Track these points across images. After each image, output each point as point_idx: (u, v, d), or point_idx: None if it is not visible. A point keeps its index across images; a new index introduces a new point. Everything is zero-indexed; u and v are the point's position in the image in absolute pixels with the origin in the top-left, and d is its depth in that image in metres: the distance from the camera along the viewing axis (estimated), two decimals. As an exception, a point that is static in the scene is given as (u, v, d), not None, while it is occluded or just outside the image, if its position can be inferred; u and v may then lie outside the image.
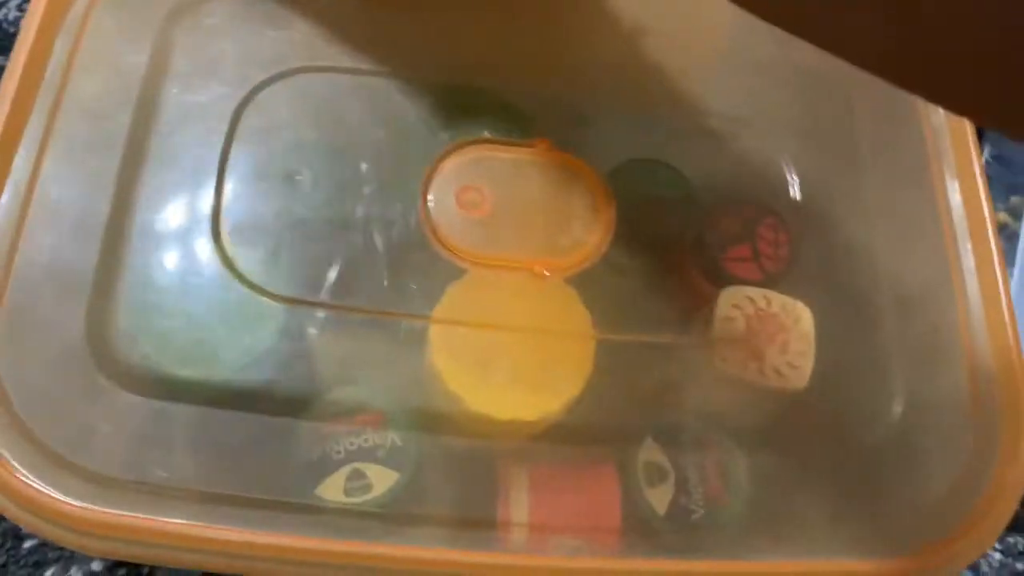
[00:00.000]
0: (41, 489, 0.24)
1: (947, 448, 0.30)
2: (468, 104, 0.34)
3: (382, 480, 0.29)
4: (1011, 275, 0.38)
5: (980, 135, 0.46)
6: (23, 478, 0.24)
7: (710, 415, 0.32)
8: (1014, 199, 0.44)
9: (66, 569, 0.36)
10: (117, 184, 0.29)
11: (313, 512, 0.28)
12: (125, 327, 0.28)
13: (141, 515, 0.24)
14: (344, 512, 0.28)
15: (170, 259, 0.29)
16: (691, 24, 0.37)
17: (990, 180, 0.45)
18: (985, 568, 0.41)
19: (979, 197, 0.32)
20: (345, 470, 0.29)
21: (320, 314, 0.30)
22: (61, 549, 0.36)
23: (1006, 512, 0.28)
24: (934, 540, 0.28)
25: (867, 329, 0.32)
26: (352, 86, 0.33)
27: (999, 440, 0.29)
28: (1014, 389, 0.29)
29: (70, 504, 0.24)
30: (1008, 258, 0.39)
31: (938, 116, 0.34)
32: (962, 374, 0.30)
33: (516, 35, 0.35)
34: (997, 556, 0.42)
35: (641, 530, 0.30)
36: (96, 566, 0.36)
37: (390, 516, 0.28)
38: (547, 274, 0.31)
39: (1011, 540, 0.42)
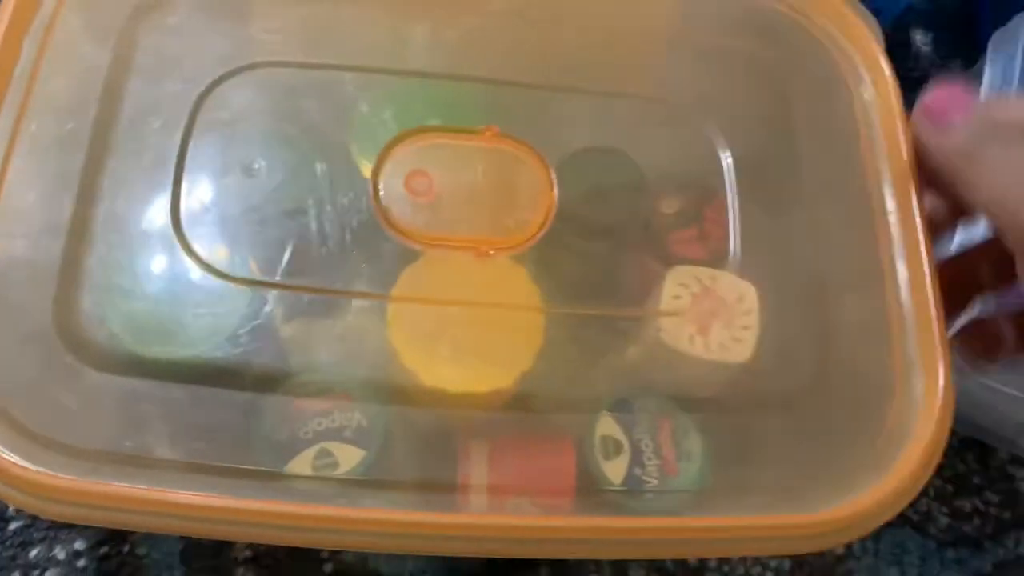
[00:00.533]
0: (15, 461, 0.25)
1: (879, 408, 0.31)
2: (418, 93, 0.35)
3: (349, 458, 0.30)
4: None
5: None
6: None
7: (662, 388, 0.33)
8: None
9: (50, 548, 0.37)
10: (82, 176, 0.30)
11: (280, 479, 0.29)
12: (91, 309, 0.29)
13: (115, 482, 0.25)
14: (315, 480, 0.29)
15: (133, 245, 0.30)
16: (639, 11, 0.38)
17: None
18: (933, 531, 0.43)
19: (907, 180, 0.33)
20: (313, 449, 0.30)
21: (282, 296, 0.31)
22: (46, 530, 0.37)
23: (929, 461, 0.29)
24: (868, 489, 0.29)
25: (805, 300, 0.34)
26: (307, 79, 0.34)
27: (923, 401, 0.30)
28: (932, 355, 0.31)
29: (44, 474, 0.25)
30: None
31: (869, 91, 0.35)
32: (888, 338, 0.32)
33: (466, 24, 0.36)
34: (945, 520, 0.43)
35: (595, 499, 0.31)
36: (79, 545, 0.37)
37: (356, 482, 0.29)
38: (492, 253, 0.32)
39: (958, 504, 0.43)
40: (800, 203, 0.35)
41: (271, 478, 0.29)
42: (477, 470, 0.30)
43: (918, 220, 0.32)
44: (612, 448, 0.31)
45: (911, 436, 0.30)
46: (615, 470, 0.31)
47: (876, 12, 0.48)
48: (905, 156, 0.33)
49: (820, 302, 0.33)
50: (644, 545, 0.29)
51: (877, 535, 0.43)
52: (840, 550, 0.42)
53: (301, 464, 0.29)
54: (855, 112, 0.35)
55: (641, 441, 0.32)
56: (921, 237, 0.32)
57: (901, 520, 0.43)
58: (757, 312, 0.33)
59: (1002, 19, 0.48)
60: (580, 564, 0.42)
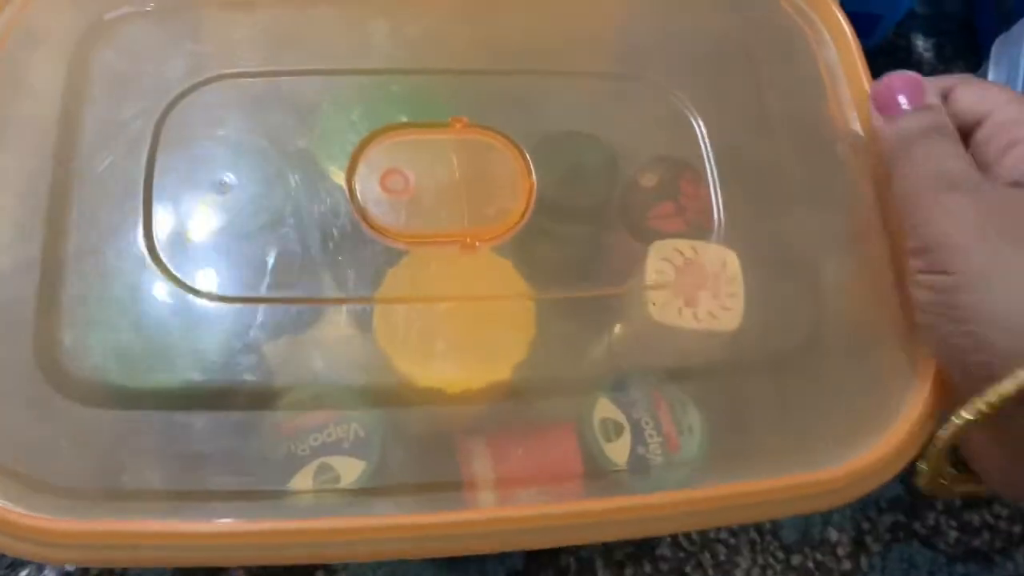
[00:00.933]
0: (8, 507, 0.24)
1: (873, 368, 0.31)
2: (382, 91, 0.34)
3: (350, 471, 0.29)
4: None
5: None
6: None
7: (656, 364, 0.33)
8: None
9: (40, 570, 0.36)
10: (48, 209, 0.29)
11: (282, 496, 0.28)
12: (73, 345, 0.28)
13: (110, 520, 0.25)
14: (314, 493, 0.29)
15: (109, 274, 0.29)
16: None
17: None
18: (943, 545, 0.43)
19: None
20: (312, 466, 0.29)
21: (266, 311, 0.30)
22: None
23: (929, 414, 0.29)
24: (872, 444, 0.29)
25: (789, 267, 0.34)
26: (268, 88, 0.33)
27: (916, 364, 0.30)
28: None
29: (38, 518, 0.25)
30: None
31: (832, 52, 0.36)
32: (878, 301, 0.32)
33: (424, 17, 0.35)
34: (954, 534, 0.43)
35: (603, 482, 0.31)
36: (70, 566, 0.36)
37: (361, 491, 0.29)
38: (477, 245, 0.32)
39: (967, 517, 0.44)
40: (775, 167, 0.35)
41: (275, 496, 0.29)
42: (480, 467, 0.30)
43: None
44: (613, 430, 0.31)
45: (910, 390, 0.30)
46: (618, 452, 0.31)
47: (877, 18, 0.49)
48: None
49: (805, 263, 0.34)
50: (655, 522, 0.29)
51: (885, 550, 0.43)
52: (847, 566, 0.42)
53: (302, 482, 0.29)
54: (821, 73, 0.35)
55: (641, 420, 0.32)
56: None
57: (909, 534, 0.43)
58: (741, 279, 0.33)
59: (1003, 25, 0.49)
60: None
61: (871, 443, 0.29)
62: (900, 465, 0.29)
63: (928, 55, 0.56)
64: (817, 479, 0.29)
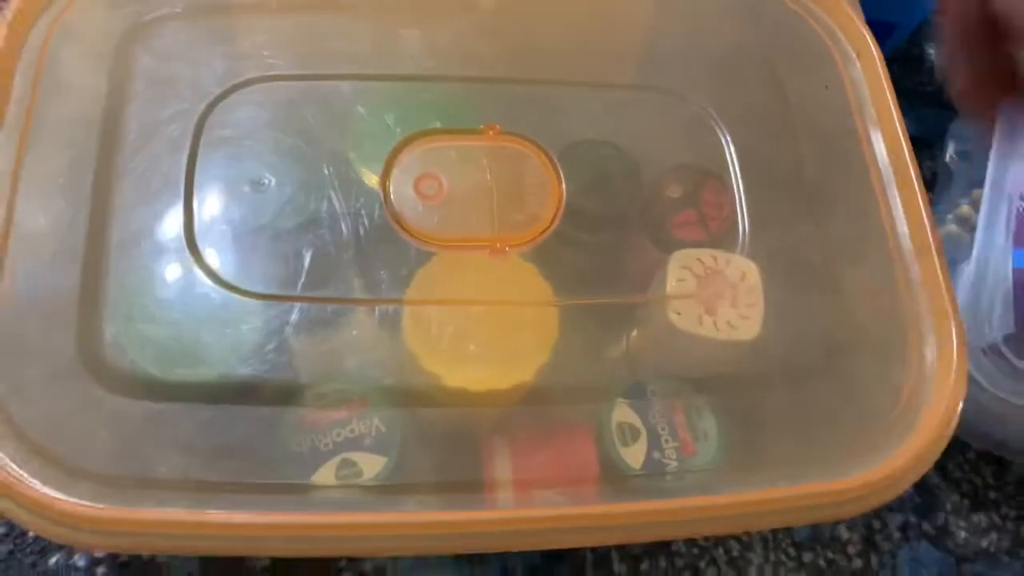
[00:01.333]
0: (47, 493, 0.25)
1: (890, 378, 0.32)
2: (415, 96, 0.35)
3: (371, 466, 0.30)
4: (968, 266, 0.40)
5: (944, 134, 0.48)
6: (29, 484, 0.25)
7: (674, 371, 0.33)
8: (976, 192, 0.46)
9: (70, 555, 0.36)
10: (91, 206, 0.30)
11: (307, 490, 0.29)
12: (114, 338, 0.29)
13: (142, 509, 0.25)
14: (338, 488, 0.29)
15: (149, 270, 0.30)
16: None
17: (954, 175, 0.47)
18: (951, 545, 0.43)
19: (901, 147, 0.34)
20: (335, 461, 0.29)
21: (298, 309, 0.30)
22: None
23: (945, 430, 0.30)
24: (890, 454, 0.29)
25: (809, 276, 0.34)
26: (305, 91, 0.34)
27: (936, 370, 0.31)
28: (945, 324, 0.31)
29: (75, 504, 0.25)
30: (970, 250, 0.40)
31: (856, 67, 0.36)
32: (899, 311, 0.32)
33: (456, 25, 0.36)
34: (962, 534, 0.44)
35: (618, 486, 0.31)
36: (99, 552, 0.36)
37: (382, 488, 0.29)
38: (507, 250, 0.32)
39: (975, 518, 0.44)
40: (798, 179, 0.35)
41: (300, 491, 0.29)
42: (501, 466, 0.31)
43: (918, 188, 0.33)
44: (629, 434, 0.32)
45: (928, 401, 0.30)
46: (634, 455, 0.32)
47: (892, 26, 0.48)
48: (898, 126, 0.34)
49: (825, 275, 0.34)
50: (669, 527, 0.29)
51: (895, 550, 0.43)
52: (858, 564, 0.42)
53: (325, 475, 0.29)
54: (845, 87, 0.36)
55: (657, 425, 0.32)
56: (922, 204, 0.32)
57: (919, 534, 0.43)
58: (761, 289, 0.33)
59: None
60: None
61: (889, 453, 0.29)
62: (918, 475, 0.29)
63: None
64: (834, 489, 0.29)
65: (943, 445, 0.30)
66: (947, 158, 0.49)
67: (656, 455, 0.32)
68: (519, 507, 0.30)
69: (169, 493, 0.27)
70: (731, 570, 0.42)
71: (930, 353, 0.31)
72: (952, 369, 0.30)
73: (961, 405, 0.30)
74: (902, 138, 0.33)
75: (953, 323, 0.31)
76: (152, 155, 0.31)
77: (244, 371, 0.30)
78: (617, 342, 0.34)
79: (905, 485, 0.29)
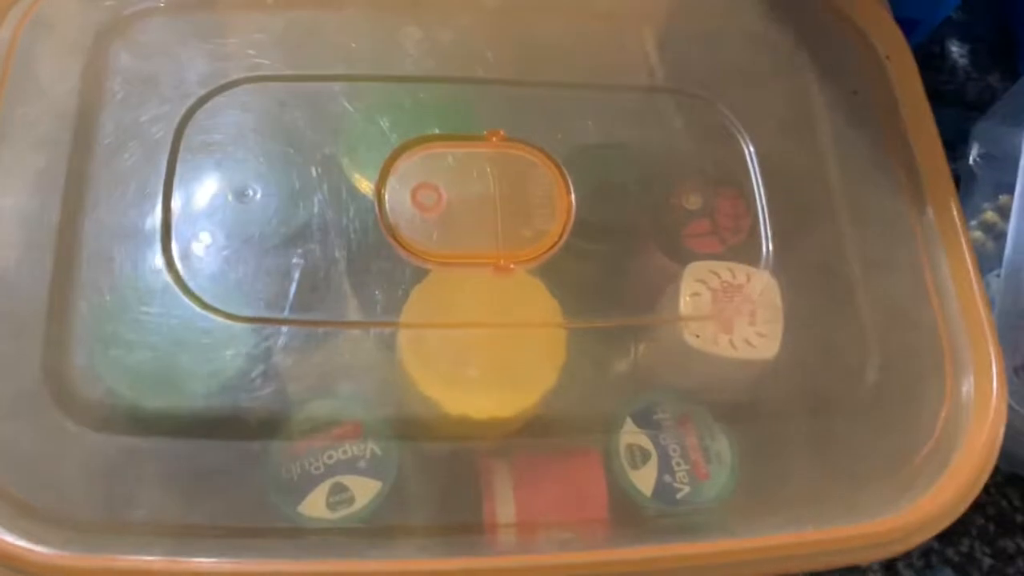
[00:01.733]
0: (9, 540, 0.23)
1: (922, 408, 0.30)
2: (413, 99, 0.33)
3: (364, 491, 0.28)
4: (997, 276, 0.38)
5: (966, 135, 0.46)
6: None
7: (686, 391, 0.32)
8: (1003, 198, 0.45)
9: None
10: (60, 216, 0.28)
11: (295, 535, 0.27)
12: (84, 364, 0.27)
13: (119, 556, 0.24)
14: (328, 530, 0.28)
15: (124, 288, 0.28)
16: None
17: (978, 179, 0.46)
18: (976, 573, 0.42)
19: (937, 154, 0.32)
20: (326, 484, 0.28)
21: (286, 332, 0.29)
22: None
23: (984, 467, 0.28)
24: (917, 498, 0.28)
25: (834, 293, 0.33)
26: (294, 93, 0.32)
27: (973, 400, 0.29)
28: (983, 349, 0.30)
29: (41, 552, 0.23)
30: (995, 259, 0.39)
31: (888, 66, 0.34)
32: (932, 333, 0.31)
33: (458, 24, 0.35)
34: (988, 561, 0.42)
35: (629, 514, 0.30)
36: None
37: (375, 530, 0.28)
38: (513, 267, 0.31)
39: (1001, 544, 0.43)
40: (824, 188, 0.34)
41: (283, 534, 0.28)
42: (502, 499, 0.29)
43: (954, 202, 0.31)
44: (639, 456, 0.30)
45: (965, 432, 0.29)
46: (644, 479, 0.30)
47: (914, 23, 0.47)
48: (933, 131, 0.32)
49: (851, 292, 0.32)
50: (687, 572, 0.27)
51: None
52: None
53: (315, 502, 0.28)
54: (875, 90, 0.34)
55: (668, 447, 0.31)
56: (958, 219, 0.31)
57: (943, 561, 0.42)
58: (780, 304, 0.32)
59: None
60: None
61: (921, 494, 0.28)
62: (952, 518, 0.28)
63: (963, 61, 0.55)
64: (862, 533, 0.27)
65: (981, 485, 0.28)
66: (971, 161, 0.47)
67: (667, 478, 0.30)
68: (523, 551, 0.28)
69: (146, 538, 0.25)
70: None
71: (967, 382, 0.30)
72: (992, 401, 0.29)
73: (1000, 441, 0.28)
74: (937, 144, 0.31)
75: (992, 349, 0.29)
76: (128, 161, 0.30)
77: (229, 399, 0.28)
78: (627, 360, 0.33)
79: (937, 529, 0.28)
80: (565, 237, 0.31)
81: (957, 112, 0.50)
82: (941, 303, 0.31)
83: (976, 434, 0.28)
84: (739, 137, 0.34)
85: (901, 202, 0.32)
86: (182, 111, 0.31)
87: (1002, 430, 0.28)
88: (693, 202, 0.34)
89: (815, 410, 0.31)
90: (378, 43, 0.34)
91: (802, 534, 0.27)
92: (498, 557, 0.27)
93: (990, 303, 0.30)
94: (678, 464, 0.31)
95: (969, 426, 0.29)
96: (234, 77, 0.31)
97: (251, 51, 0.32)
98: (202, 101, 0.31)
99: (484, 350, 0.30)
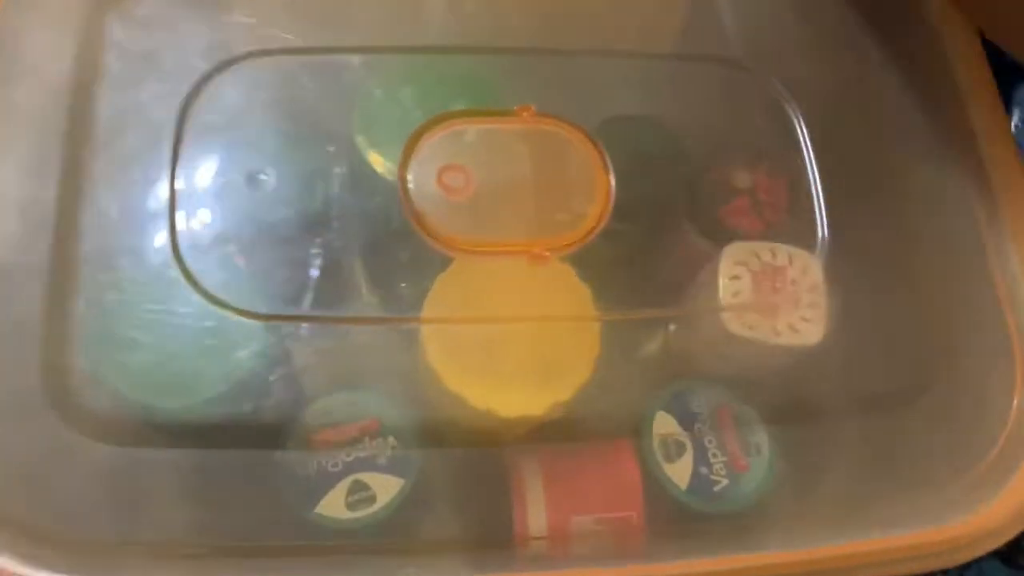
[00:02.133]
0: (14, 569, 0.22)
1: (986, 406, 0.29)
2: (438, 74, 0.32)
3: (385, 489, 0.27)
4: None
5: (1009, 100, 0.43)
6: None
7: (723, 381, 0.31)
8: None
9: None
10: (58, 205, 0.27)
11: (316, 553, 0.26)
12: (87, 369, 0.26)
13: None
14: (349, 535, 0.27)
15: (128, 286, 0.27)
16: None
17: (1021, 147, 0.44)
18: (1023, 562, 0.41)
19: (1002, 126, 0.30)
20: (345, 483, 0.27)
21: (304, 328, 0.28)
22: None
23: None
24: (974, 510, 0.27)
25: (887, 278, 0.31)
26: (308, 67, 0.31)
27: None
28: None
29: None
30: None
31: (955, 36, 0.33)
32: (999, 324, 0.29)
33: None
34: None
35: (666, 510, 0.29)
36: None
37: (400, 536, 0.27)
38: (547, 255, 0.29)
39: None
40: (879, 166, 0.32)
41: (302, 552, 0.26)
42: (533, 500, 0.28)
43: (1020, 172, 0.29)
44: (674, 449, 0.29)
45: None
46: (679, 472, 0.29)
47: None
48: (997, 100, 0.30)
49: (908, 277, 0.31)
50: None
51: (962, 570, 0.40)
52: None
53: (334, 502, 0.27)
54: (932, 55, 0.32)
55: (704, 438, 0.30)
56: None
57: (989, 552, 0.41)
58: (824, 287, 0.30)
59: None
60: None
61: (986, 500, 0.27)
62: (1020, 527, 0.26)
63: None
64: (924, 541, 0.26)
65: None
66: (1012, 127, 0.45)
67: (703, 470, 0.29)
68: (553, 563, 0.27)
69: (153, 560, 0.24)
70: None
71: None
72: None
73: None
74: (1002, 119, 0.30)
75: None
76: (129, 144, 0.29)
77: (242, 402, 0.27)
78: (663, 348, 0.31)
79: (1005, 539, 0.26)
80: (604, 221, 0.30)
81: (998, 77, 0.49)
82: (1008, 291, 0.29)
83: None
84: (788, 110, 0.32)
85: (963, 183, 0.31)
86: (186, 89, 0.29)
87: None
88: (734, 179, 0.32)
89: (864, 403, 0.30)
90: (397, 11, 0.32)
91: (857, 543, 0.26)
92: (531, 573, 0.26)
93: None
94: (714, 456, 0.30)
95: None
96: (241, 51, 0.30)
97: (259, 22, 0.31)
98: (206, 78, 0.29)
99: (513, 344, 0.29)
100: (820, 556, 0.26)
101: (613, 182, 0.30)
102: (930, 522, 0.26)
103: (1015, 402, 0.28)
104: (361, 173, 0.29)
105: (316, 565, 0.26)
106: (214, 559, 0.24)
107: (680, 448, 0.29)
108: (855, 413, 0.30)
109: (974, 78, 0.32)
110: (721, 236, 0.31)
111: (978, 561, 0.40)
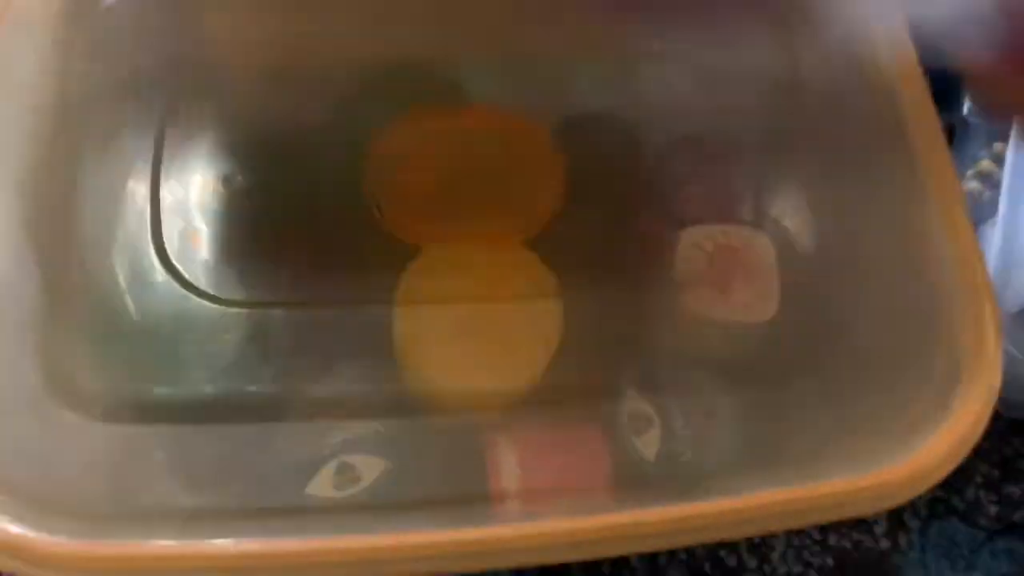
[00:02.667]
0: (19, 532, 0.23)
1: (919, 359, 0.29)
2: (397, 78, 0.33)
3: (370, 469, 0.28)
4: (993, 225, 0.38)
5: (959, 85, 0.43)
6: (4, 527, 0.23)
7: (687, 356, 0.32)
8: (997, 146, 0.44)
9: None
10: (51, 210, 0.28)
11: (302, 513, 0.27)
12: (83, 358, 0.27)
13: (127, 542, 0.23)
14: (335, 508, 0.28)
15: (119, 282, 0.28)
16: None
17: (972, 129, 0.45)
18: (983, 521, 0.42)
19: (927, 102, 0.31)
20: (332, 465, 0.28)
21: (281, 314, 0.29)
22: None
23: (982, 413, 0.28)
24: (918, 448, 0.27)
25: (828, 252, 0.32)
26: (276, 77, 0.32)
27: (970, 348, 0.29)
28: (978, 296, 0.29)
29: (52, 542, 0.23)
30: (992, 208, 0.39)
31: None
32: (927, 285, 0.30)
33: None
34: (994, 508, 0.42)
35: (632, 480, 0.30)
36: None
37: (382, 505, 0.28)
38: (507, 240, 0.30)
39: (1007, 490, 0.42)
40: (816, 148, 0.33)
41: (290, 513, 0.27)
42: (506, 470, 0.29)
43: (942, 145, 0.30)
44: (643, 423, 0.30)
45: (964, 381, 0.28)
46: (648, 445, 0.30)
47: None
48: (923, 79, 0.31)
49: (846, 248, 0.32)
50: (694, 533, 0.27)
51: (924, 527, 0.42)
52: (885, 544, 0.41)
53: (322, 482, 0.28)
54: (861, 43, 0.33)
55: (671, 413, 0.31)
56: (951, 177, 0.30)
57: (949, 510, 0.42)
58: (776, 265, 0.32)
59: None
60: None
61: (922, 442, 0.27)
62: (954, 464, 0.27)
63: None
64: (861, 486, 0.26)
65: (980, 431, 0.27)
66: (964, 110, 0.47)
67: (671, 444, 0.30)
68: (529, 519, 0.28)
69: (153, 524, 0.25)
70: (753, 557, 0.40)
71: (963, 330, 0.29)
72: (988, 347, 0.28)
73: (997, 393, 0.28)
74: (925, 95, 0.31)
75: (987, 303, 0.28)
76: (112, 158, 0.29)
77: (230, 384, 0.28)
78: (626, 328, 0.32)
79: (939, 476, 0.27)
80: (559, 207, 0.31)
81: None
82: (935, 254, 0.30)
83: (974, 381, 0.28)
84: (726, 96, 0.33)
85: (892, 158, 0.31)
86: (167, 88, 0.30)
87: (998, 382, 0.28)
88: (685, 166, 0.34)
89: (814, 368, 0.31)
90: (354, 25, 0.32)
91: (805, 489, 0.26)
92: (502, 527, 0.26)
93: (984, 258, 0.30)
94: (682, 430, 0.30)
95: (967, 374, 0.28)
96: (212, 62, 0.31)
97: (228, 36, 0.32)
98: (185, 79, 0.30)
99: (480, 325, 0.30)
100: (769, 501, 0.26)
101: (566, 170, 0.31)
102: (873, 467, 0.27)
103: (942, 355, 0.29)
104: (331, 172, 0.31)
105: (304, 526, 0.26)
106: (205, 522, 0.25)
107: (648, 422, 0.30)
108: (806, 378, 0.31)
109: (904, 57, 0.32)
110: (678, 221, 0.32)
111: (939, 520, 0.42)
